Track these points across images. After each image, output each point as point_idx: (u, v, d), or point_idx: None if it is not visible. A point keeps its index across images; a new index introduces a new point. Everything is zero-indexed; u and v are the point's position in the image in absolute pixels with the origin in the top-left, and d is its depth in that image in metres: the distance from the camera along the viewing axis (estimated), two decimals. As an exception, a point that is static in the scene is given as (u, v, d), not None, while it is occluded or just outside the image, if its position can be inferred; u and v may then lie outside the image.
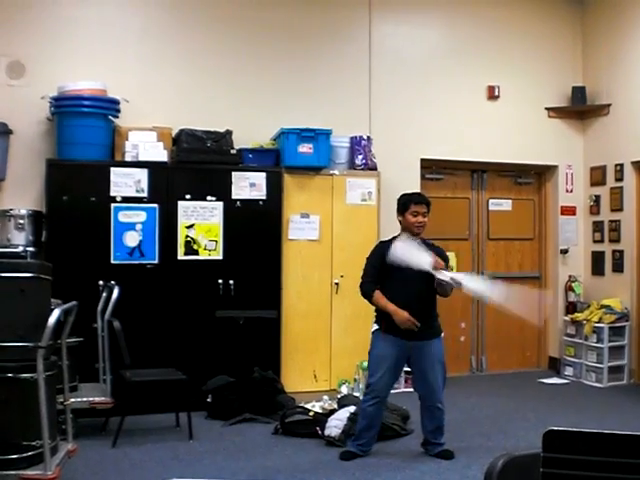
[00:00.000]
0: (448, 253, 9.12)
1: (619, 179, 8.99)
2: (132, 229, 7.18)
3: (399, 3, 8.87)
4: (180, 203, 7.32)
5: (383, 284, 5.71)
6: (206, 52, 8.06)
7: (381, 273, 5.70)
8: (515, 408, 7.47)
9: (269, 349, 7.47)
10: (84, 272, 6.96)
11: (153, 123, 7.48)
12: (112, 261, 7.12)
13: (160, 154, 7.32)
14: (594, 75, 9.39)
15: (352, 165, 8.06)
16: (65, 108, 7.19)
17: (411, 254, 5.48)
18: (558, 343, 9.38)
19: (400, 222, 5.85)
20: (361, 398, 6.19)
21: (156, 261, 7.24)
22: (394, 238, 5.78)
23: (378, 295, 5.68)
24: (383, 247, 5.72)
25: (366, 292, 5.74)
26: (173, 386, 6.43)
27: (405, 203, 5.81)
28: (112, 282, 6.47)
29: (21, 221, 6.94)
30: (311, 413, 6.43)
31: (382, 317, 5.73)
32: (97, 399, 6.15)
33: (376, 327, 5.79)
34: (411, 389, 8.16)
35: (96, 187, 7.11)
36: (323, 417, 6.34)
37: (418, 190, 8.68)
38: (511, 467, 2.11)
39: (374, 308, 5.81)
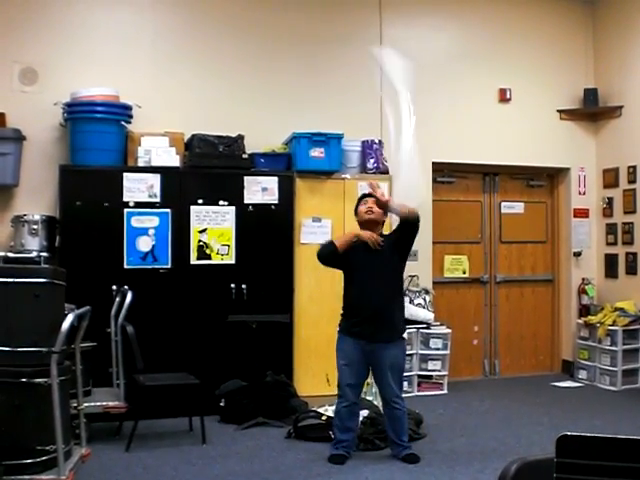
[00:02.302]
0: (460, 256, 9.27)
1: (632, 181, 8.96)
2: (145, 234, 7.20)
3: (410, 6, 8.88)
4: (192, 208, 7.34)
5: (347, 280, 5.91)
6: (218, 57, 8.09)
7: (345, 269, 5.90)
8: (529, 412, 7.45)
9: (281, 353, 7.48)
10: (97, 277, 6.98)
11: (165, 128, 7.51)
12: (125, 266, 7.14)
13: (172, 159, 7.34)
14: (606, 77, 9.37)
15: (364, 169, 8.06)
16: (78, 114, 7.21)
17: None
18: (571, 346, 9.35)
19: (358, 222, 6.01)
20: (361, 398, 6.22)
21: (169, 266, 7.25)
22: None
23: (337, 239, 5.98)
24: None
25: (324, 245, 6.02)
26: (186, 390, 6.44)
27: (357, 204, 6.05)
28: (125, 287, 6.49)
29: (35, 226, 6.96)
30: (324, 417, 6.42)
31: (345, 319, 5.89)
32: (110, 404, 6.16)
33: (339, 329, 5.95)
34: (424, 392, 8.22)
35: (109, 192, 7.13)
36: (336, 421, 6.33)
37: (430, 193, 8.73)
38: (524, 472, 2.10)
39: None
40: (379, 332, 5.72)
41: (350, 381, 5.80)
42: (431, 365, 8.36)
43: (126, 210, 7.16)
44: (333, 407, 6.50)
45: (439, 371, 8.39)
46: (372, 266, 5.74)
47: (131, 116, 7.42)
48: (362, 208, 5.93)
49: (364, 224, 5.91)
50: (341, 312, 5.95)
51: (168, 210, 7.27)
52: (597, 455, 1.73)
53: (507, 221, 9.56)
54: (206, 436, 6.28)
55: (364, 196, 6.04)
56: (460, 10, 9.07)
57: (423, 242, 8.65)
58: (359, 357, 5.76)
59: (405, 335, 6.11)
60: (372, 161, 8.04)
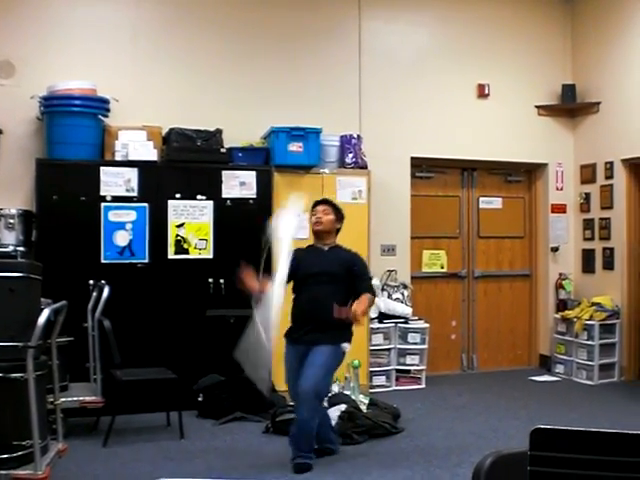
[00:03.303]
0: (438, 251, 9.30)
1: (609, 177, 9.01)
2: (122, 228, 7.17)
3: (389, 1, 8.88)
4: (170, 202, 7.31)
5: (295, 290, 5.70)
6: (196, 51, 8.06)
7: (296, 278, 5.62)
8: (506, 406, 7.49)
9: (260, 348, 7.46)
10: (74, 271, 6.94)
11: (143, 122, 7.47)
12: (102, 260, 7.11)
13: (150, 153, 7.30)
14: (584, 73, 9.42)
15: (342, 164, 8.06)
16: (55, 107, 7.17)
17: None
18: (549, 341, 9.41)
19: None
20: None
21: (146, 260, 7.23)
22: (307, 246, 5.87)
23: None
24: (294, 252, 5.58)
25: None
26: (164, 385, 6.43)
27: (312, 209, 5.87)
28: (102, 281, 6.45)
29: (11, 221, 6.91)
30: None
31: (290, 326, 5.67)
32: (87, 398, 6.13)
33: (284, 336, 5.66)
34: (402, 387, 8.24)
35: (86, 186, 7.09)
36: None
37: (408, 188, 8.75)
38: (499, 465, 2.11)
39: None
40: (319, 334, 5.46)
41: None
42: (409, 359, 8.38)
43: (103, 204, 7.12)
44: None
45: (417, 365, 8.41)
46: (318, 274, 5.60)
47: (108, 110, 7.38)
48: (312, 219, 5.81)
49: (314, 234, 5.82)
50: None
51: (145, 204, 7.24)
52: (570, 448, 1.75)
53: (485, 216, 9.60)
54: (184, 431, 6.28)
55: (316, 203, 5.87)
56: (439, 6, 9.09)
57: (401, 237, 8.70)
58: (301, 360, 5.51)
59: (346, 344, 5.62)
60: (350, 156, 8.04)
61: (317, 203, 5.88)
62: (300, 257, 5.62)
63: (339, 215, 5.84)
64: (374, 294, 5.70)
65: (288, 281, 5.50)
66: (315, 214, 5.79)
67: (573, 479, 1.74)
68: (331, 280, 5.57)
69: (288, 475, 5.35)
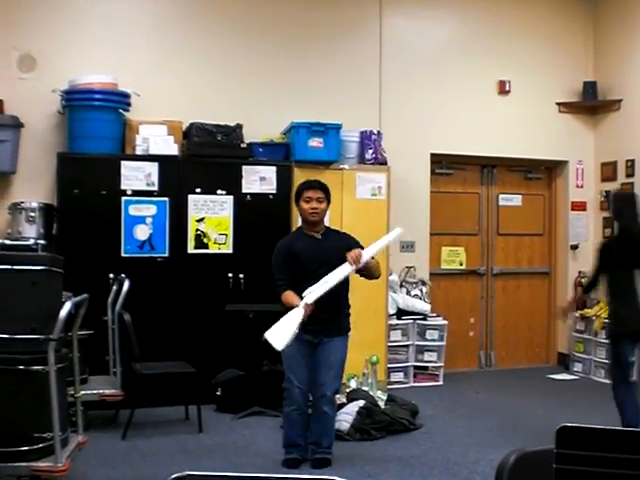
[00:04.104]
0: (457, 248, 9.28)
1: (630, 175, 8.95)
2: (142, 222, 7.19)
3: (410, -3, 8.87)
4: (190, 197, 7.33)
5: (296, 280, 5.38)
6: (217, 46, 8.06)
7: (295, 272, 5.42)
8: (524, 404, 7.47)
9: (278, 343, 7.47)
10: (95, 265, 6.97)
11: (164, 117, 7.49)
12: (122, 254, 7.14)
13: (170, 148, 7.33)
14: (605, 70, 9.36)
15: (362, 159, 8.05)
16: (76, 101, 7.20)
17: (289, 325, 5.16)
18: (567, 339, 9.37)
19: (300, 214, 5.68)
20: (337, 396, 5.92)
21: (166, 254, 7.25)
22: (294, 233, 5.76)
23: (286, 293, 5.35)
24: (285, 245, 5.52)
25: (277, 295, 5.45)
26: (183, 379, 6.45)
27: (298, 191, 5.60)
28: (122, 275, 6.48)
29: (32, 214, 6.95)
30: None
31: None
32: (107, 391, 6.17)
33: None
34: (419, 384, 8.23)
35: (107, 180, 7.12)
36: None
37: (427, 184, 8.74)
38: (523, 463, 2.11)
39: None
40: (332, 325, 5.44)
41: (305, 380, 5.51)
42: (427, 356, 8.37)
43: (124, 198, 7.15)
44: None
45: (435, 362, 8.41)
46: (317, 263, 5.37)
47: (129, 104, 7.40)
48: (306, 207, 5.49)
49: (307, 222, 5.57)
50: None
51: (166, 199, 7.26)
52: (597, 446, 1.74)
53: (504, 213, 9.56)
54: (202, 425, 6.30)
55: (307, 186, 5.59)
56: (460, 2, 9.05)
57: (420, 233, 8.68)
58: (311, 353, 5.45)
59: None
60: (370, 152, 8.03)
61: (309, 186, 5.58)
62: (294, 252, 5.43)
63: (329, 200, 5.62)
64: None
65: (287, 279, 5.38)
66: (310, 201, 5.49)
67: (599, 477, 1.74)
68: (334, 268, 5.32)
69: (306, 470, 5.36)
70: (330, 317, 5.41)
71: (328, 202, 5.61)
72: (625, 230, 6.22)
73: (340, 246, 5.42)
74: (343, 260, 5.30)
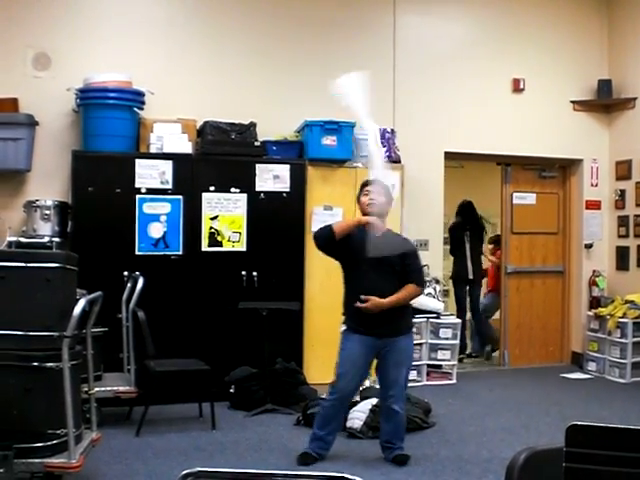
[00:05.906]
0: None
1: (645, 173, 8.93)
2: (157, 220, 7.22)
3: (424, -5, 8.86)
4: (204, 195, 7.35)
5: (346, 275, 5.51)
6: (231, 45, 8.07)
7: (344, 261, 5.50)
8: (537, 403, 7.46)
9: (292, 341, 7.49)
10: (109, 263, 7.00)
11: (178, 115, 7.51)
12: (137, 252, 7.17)
13: (184, 146, 7.35)
14: (620, 68, 9.32)
15: (376, 158, 8.04)
16: (90, 100, 7.23)
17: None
18: (581, 338, 9.34)
19: (360, 210, 5.63)
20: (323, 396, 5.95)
21: (180, 252, 7.27)
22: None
23: (337, 223, 5.52)
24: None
25: (321, 229, 5.56)
26: (196, 376, 6.47)
27: (361, 188, 5.65)
28: (137, 273, 6.51)
29: (47, 212, 6.99)
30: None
31: (349, 316, 5.52)
32: (121, 388, 6.21)
33: (344, 327, 5.57)
34: (433, 382, 8.22)
35: (121, 178, 7.15)
36: (345, 409, 6.35)
37: (441, 182, 8.73)
38: (533, 461, 2.11)
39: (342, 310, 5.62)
40: (395, 323, 5.43)
41: (356, 383, 5.60)
42: (440, 355, 8.36)
43: (138, 196, 7.18)
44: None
45: (448, 361, 8.40)
46: (372, 259, 5.25)
47: (144, 102, 7.42)
48: (364, 199, 5.50)
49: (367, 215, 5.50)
50: (344, 312, 5.62)
51: (180, 197, 7.28)
52: (606, 445, 1.74)
53: (519, 212, 9.54)
54: (216, 422, 6.32)
55: (366, 183, 5.62)
56: (474, 0, 9.03)
57: (434, 232, 8.67)
58: (370, 353, 5.45)
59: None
60: (384, 150, 8.02)
61: (368, 183, 5.60)
62: (350, 234, 5.41)
63: (390, 198, 5.61)
64: (421, 284, 5.62)
65: (338, 254, 5.48)
66: (367, 194, 5.49)
67: (609, 476, 1.74)
68: (387, 269, 5.35)
69: (319, 467, 5.35)
70: (392, 317, 5.40)
71: (388, 202, 5.57)
72: None
73: (397, 246, 5.45)
74: (398, 260, 5.39)
